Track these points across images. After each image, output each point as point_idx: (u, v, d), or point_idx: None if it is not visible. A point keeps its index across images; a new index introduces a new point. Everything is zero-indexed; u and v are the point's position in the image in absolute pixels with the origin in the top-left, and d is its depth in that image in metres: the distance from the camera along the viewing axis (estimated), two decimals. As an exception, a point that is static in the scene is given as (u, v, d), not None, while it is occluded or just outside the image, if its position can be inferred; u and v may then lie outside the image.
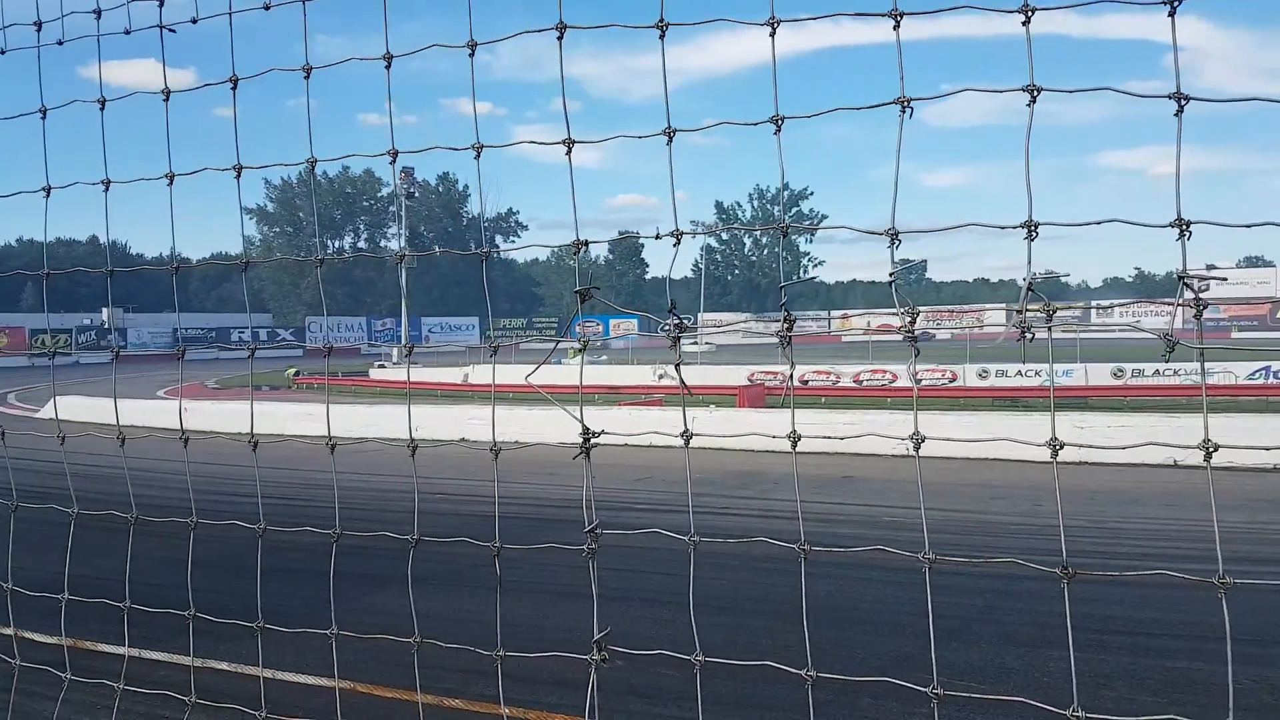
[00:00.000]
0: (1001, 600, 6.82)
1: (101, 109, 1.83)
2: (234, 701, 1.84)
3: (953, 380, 26.77)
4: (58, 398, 23.23)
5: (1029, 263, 1.64)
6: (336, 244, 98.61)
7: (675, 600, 6.87)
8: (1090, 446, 2.25)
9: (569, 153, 1.63)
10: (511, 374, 32.58)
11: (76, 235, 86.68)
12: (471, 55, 1.62)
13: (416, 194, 65.04)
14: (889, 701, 4.87)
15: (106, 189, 1.84)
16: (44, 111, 1.90)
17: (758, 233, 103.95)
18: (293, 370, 38.39)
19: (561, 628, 6.21)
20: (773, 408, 21.20)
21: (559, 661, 1.81)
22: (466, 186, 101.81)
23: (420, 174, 70.53)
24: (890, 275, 1.66)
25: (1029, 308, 1.62)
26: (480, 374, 32.57)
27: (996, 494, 11.41)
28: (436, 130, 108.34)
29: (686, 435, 1.64)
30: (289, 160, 1.80)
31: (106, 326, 64.34)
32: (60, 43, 1.81)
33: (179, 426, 2.11)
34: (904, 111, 1.63)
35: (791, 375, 1.38)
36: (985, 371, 27.22)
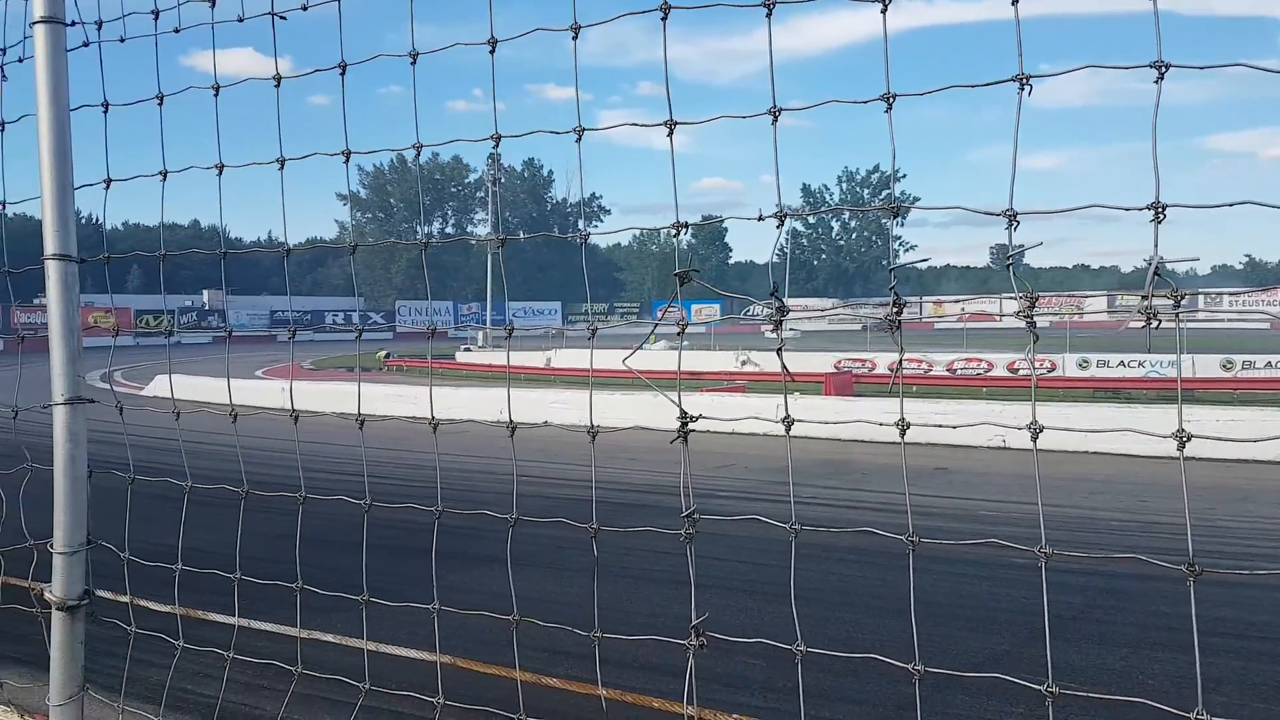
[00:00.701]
0: (1102, 599, 6.56)
1: (215, 95, 1.88)
2: (338, 673, 1.88)
3: (1052, 370, 25.81)
4: (161, 377, 24.37)
5: (1155, 247, 1.54)
6: (426, 229, 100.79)
7: (757, 589, 6.81)
8: (1211, 439, 2.12)
9: (670, 134, 1.60)
10: (593, 358, 32.72)
11: (179, 219, 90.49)
12: (575, 39, 1.60)
13: (503, 180, 65.96)
14: (986, 699, 4.73)
15: (220, 173, 1.89)
16: (161, 98, 1.97)
17: (846, 216, 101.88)
18: (383, 353, 39.43)
19: (643, 611, 6.22)
20: (860, 396, 20.81)
21: (645, 645, 1.79)
22: (551, 172, 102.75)
23: (507, 160, 71.43)
24: (1007, 259, 1.59)
25: (1155, 294, 1.52)
26: (563, 358, 32.90)
27: (1097, 489, 10.97)
28: (523, 116, 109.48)
29: (788, 421, 1.59)
30: (388, 146, 1.83)
31: (207, 308, 67.24)
32: (177, 30, 1.86)
33: (286, 406, 2.16)
34: (1022, 89, 1.55)
35: (900, 361, 1.33)
36: (1085, 361, 26.19)
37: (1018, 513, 9.88)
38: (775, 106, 1.57)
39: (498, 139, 1.67)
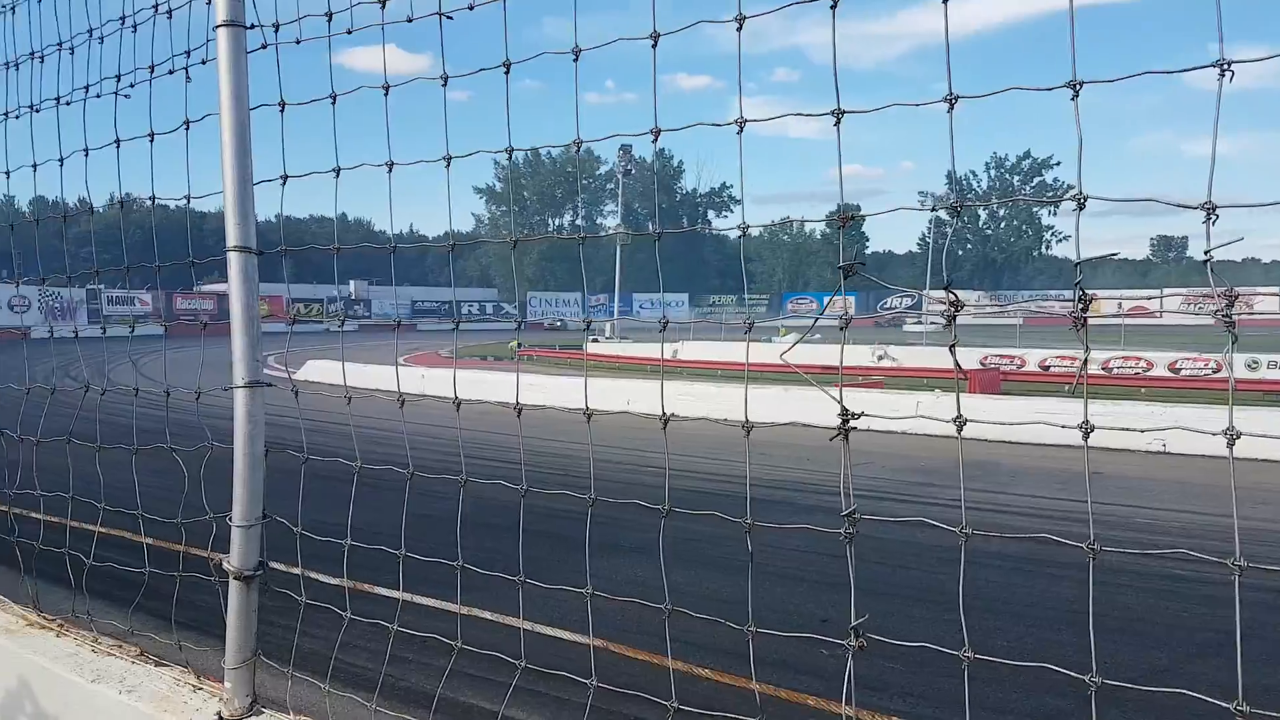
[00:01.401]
0: (1268, 615, 6.06)
1: (385, 94, 1.95)
2: (495, 650, 1.93)
3: (1217, 370, 23.98)
4: (311, 362, 25.75)
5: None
6: (556, 221, 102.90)
7: (895, 591, 6.62)
8: None
9: (837, 123, 1.55)
10: (719, 351, 32.65)
11: (327, 212, 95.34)
12: (739, 30, 1.58)
13: (634, 171, 66.51)
14: (1150, 715, 4.45)
15: (390, 170, 1.96)
16: (334, 97, 2.06)
17: (993, 203, 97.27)
18: (515, 343, 40.54)
19: (774, 609, 6.16)
20: (1007, 394, 19.90)
21: (779, 642, 1.75)
22: (681, 162, 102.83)
23: (638, 151, 72.00)
24: (1206, 253, 1.46)
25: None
26: (689, 350, 32.93)
27: (1266, 498, 10.14)
28: (661, 106, 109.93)
29: (960, 421, 1.52)
30: (525, 139, 1.86)
31: (353, 297, 70.85)
32: (349, 31, 1.94)
33: (425, 391, 2.25)
34: (1223, 75, 1.42)
35: (1085, 360, 1.24)
36: (1255, 362, 24.20)
37: (1179, 522, 9.24)
38: (952, 94, 1.50)
39: (657, 133, 1.67)
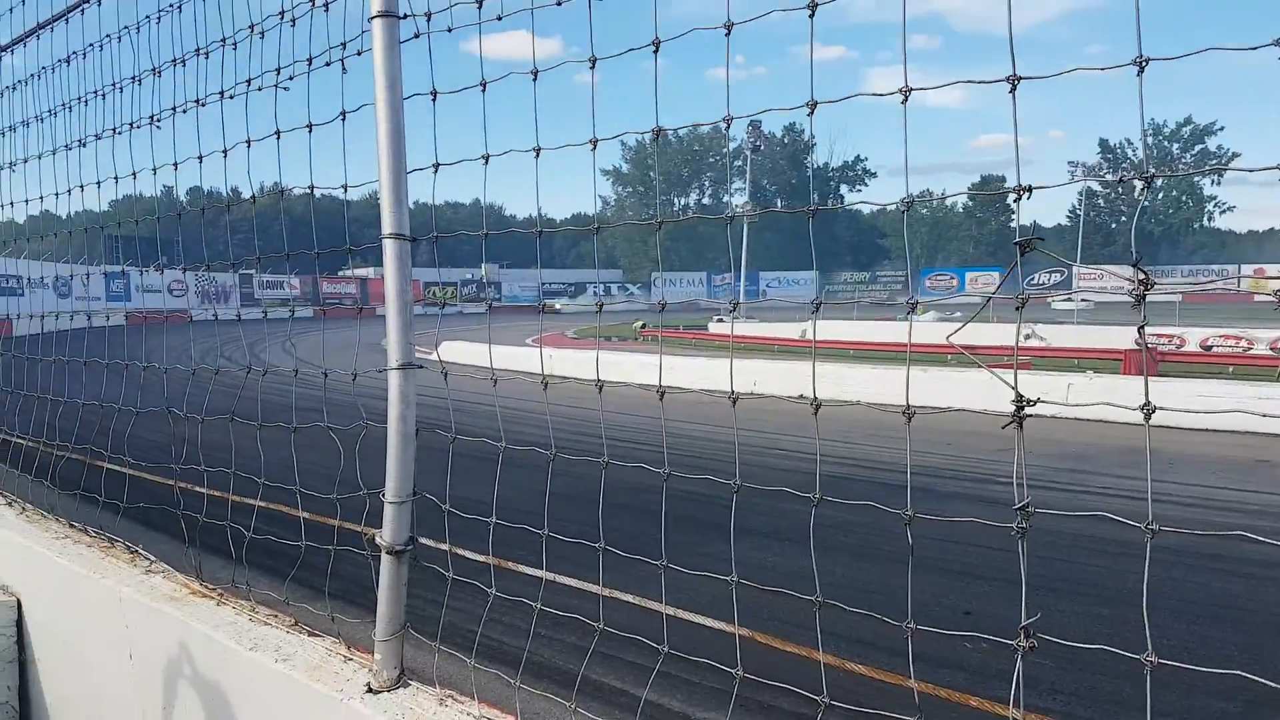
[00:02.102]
0: None
1: (534, 79, 1.95)
2: (636, 634, 1.93)
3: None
4: (447, 343, 26.68)
5: None
6: (682, 201, 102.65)
7: (1045, 584, 6.31)
8: None
9: (1012, 90, 1.44)
10: (850, 330, 31.87)
11: (461, 198, 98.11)
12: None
13: (762, 147, 65.59)
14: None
15: (537, 155, 1.97)
16: (484, 85, 2.07)
17: (1151, 173, 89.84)
18: (639, 323, 40.77)
19: (912, 599, 5.98)
20: (1165, 375, 18.64)
21: (930, 635, 1.66)
22: (812, 137, 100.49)
23: (766, 127, 70.93)
24: None
25: None
26: (819, 330, 32.29)
27: None
28: (786, 81, 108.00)
29: (1148, 409, 1.40)
30: (648, 120, 1.80)
31: (485, 280, 73.04)
32: (499, 18, 1.94)
33: (552, 372, 2.25)
34: None
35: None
36: None
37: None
38: (1142, 55, 1.37)
39: (813, 106, 1.60)
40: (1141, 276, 1.35)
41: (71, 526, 3.94)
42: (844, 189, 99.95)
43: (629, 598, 5.01)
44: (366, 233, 2.86)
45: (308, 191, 2.79)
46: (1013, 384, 1.46)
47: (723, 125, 1.64)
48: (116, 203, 4.04)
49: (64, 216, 4.39)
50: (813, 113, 1.61)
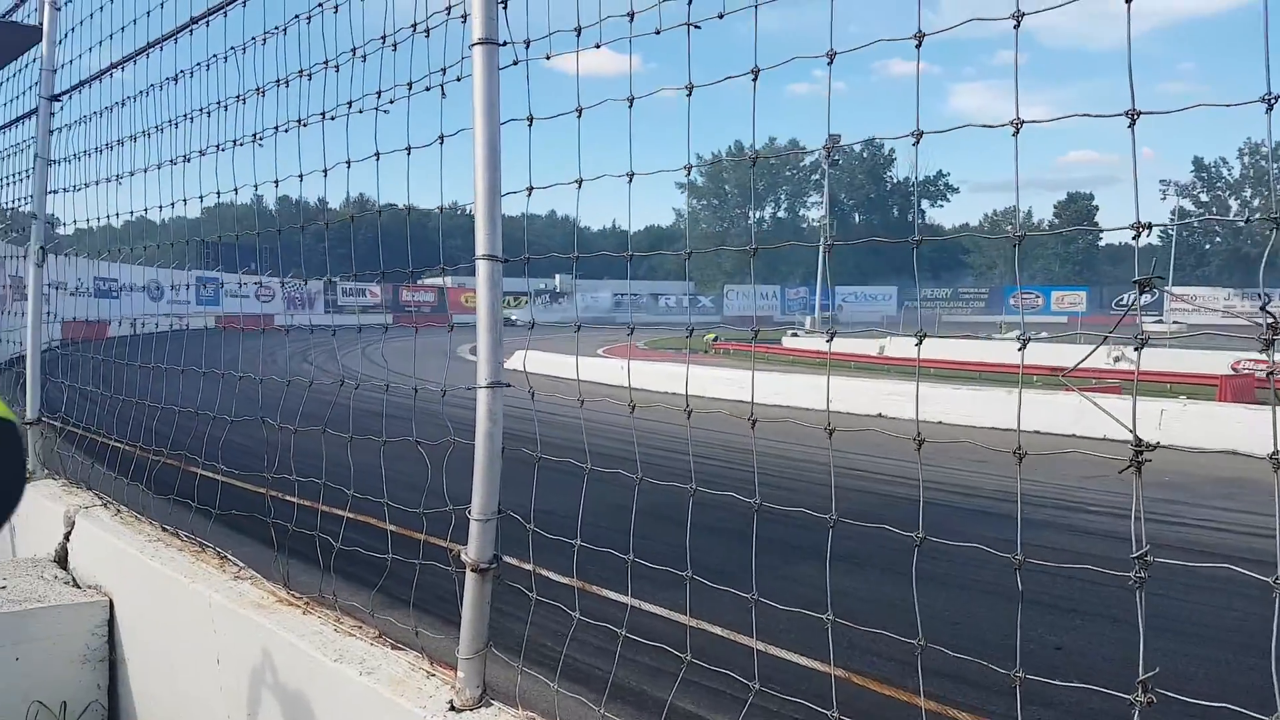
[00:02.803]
0: None
1: (630, 106, 1.95)
2: (727, 667, 1.90)
3: None
4: (519, 352, 26.83)
5: None
6: (757, 215, 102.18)
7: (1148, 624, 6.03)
8: None
9: (1132, 125, 1.38)
10: (931, 348, 31.02)
11: (537, 210, 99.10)
12: (1017, 28, 1.44)
13: (840, 161, 64.96)
14: None
15: (630, 180, 1.97)
16: (579, 111, 2.08)
17: (1248, 192, 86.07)
18: (712, 335, 40.63)
19: (995, 630, 5.78)
20: (1264, 403, 17.75)
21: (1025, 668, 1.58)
22: (892, 150, 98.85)
23: (846, 139, 70.27)
24: None
25: None
26: (896, 347, 31.67)
27: None
28: (869, 95, 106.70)
29: (1276, 459, 1.32)
30: (730, 135, 1.77)
31: (559, 291, 73.94)
32: (598, 45, 1.95)
33: (624, 383, 2.24)
34: None
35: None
36: None
37: None
38: (1270, 93, 1.29)
39: (919, 136, 1.56)
40: (1271, 320, 1.27)
41: (164, 530, 4.07)
42: (925, 204, 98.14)
43: (718, 630, 4.86)
44: (446, 242, 2.92)
45: (393, 204, 2.86)
46: (1131, 427, 1.39)
47: (823, 153, 1.61)
48: (209, 210, 4.19)
49: (158, 223, 4.56)
50: (918, 142, 1.57)
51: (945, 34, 1.46)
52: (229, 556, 3.64)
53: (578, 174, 2.10)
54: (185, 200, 4.08)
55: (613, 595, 2.56)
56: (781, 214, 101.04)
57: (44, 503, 4.54)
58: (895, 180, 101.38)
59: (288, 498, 3.67)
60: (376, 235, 2.95)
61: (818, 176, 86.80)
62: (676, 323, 60.46)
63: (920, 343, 1.57)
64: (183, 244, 4.36)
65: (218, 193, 3.64)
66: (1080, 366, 18.16)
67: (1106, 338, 1.56)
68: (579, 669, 4.49)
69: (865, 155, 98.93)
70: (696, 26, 1.73)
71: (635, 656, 4.84)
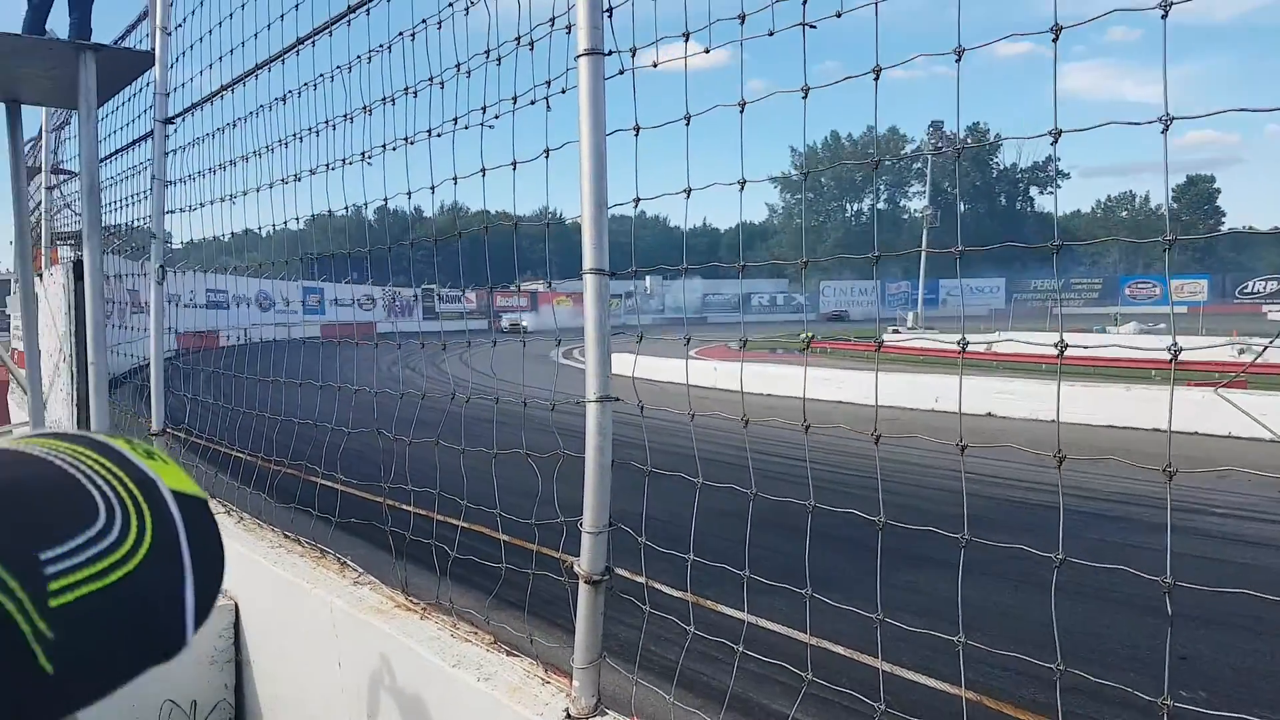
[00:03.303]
0: None
1: (741, 111, 1.91)
2: (850, 686, 1.83)
3: None
4: (614, 354, 26.87)
5: None
6: (855, 206, 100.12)
7: (1275, 630, 5.65)
8: None
9: (1301, 110, 1.25)
10: (1044, 342, 29.79)
11: (625, 211, 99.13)
12: (1165, 17, 1.33)
13: (945, 149, 63.03)
14: None
15: (742, 189, 1.92)
16: (688, 119, 2.05)
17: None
18: (807, 334, 39.95)
19: (1126, 643, 5.49)
20: None
21: (1143, 681, 1.46)
22: (998, 135, 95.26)
23: (949, 126, 68.13)
24: None
25: None
26: (1005, 343, 30.45)
27: None
28: (971, 77, 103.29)
29: None
30: (825, 124, 1.70)
31: (649, 293, 74.19)
32: (707, 50, 1.91)
33: (719, 385, 2.18)
34: None
35: None
36: None
37: None
38: None
39: (1057, 135, 1.46)
40: None
41: (285, 536, 4.22)
42: (1034, 191, 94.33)
43: (840, 649, 4.73)
44: (536, 247, 2.94)
45: (486, 211, 2.89)
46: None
47: (844, 130, 1.53)
48: (309, 221, 4.30)
49: (263, 235, 4.72)
50: (1056, 141, 1.47)
51: (1047, 13, 1.36)
52: (348, 562, 3.74)
53: (686, 183, 2.06)
54: (298, 218, 4.20)
55: (729, 611, 2.51)
56: (881, 205, 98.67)
57: (172, 511, 4.74)
58: (1002, 167, 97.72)
59: (404, 506, 3.75)
60: (469, 244, 2.97)
61: (919, 165, 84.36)
62: (771, 321, 59.67)
63: (1061, 353, 1.48)
64: (289, 259, 4.49)
65: (329, 211, 3.74)
66: (1198, 360, 17.12)
67: (1269, 345, 1.43)
68: (685, 674, 4.42)
69: (970, 141, 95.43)
70: (812, 26, 1.67)
71: (743, 664, 4.75)
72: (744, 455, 2.40)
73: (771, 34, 1.73)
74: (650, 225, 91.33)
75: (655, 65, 2.02)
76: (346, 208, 3.70)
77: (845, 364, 25.94)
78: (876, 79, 1.59)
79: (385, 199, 3.51)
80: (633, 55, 2.09)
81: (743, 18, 1.78)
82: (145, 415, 5.31)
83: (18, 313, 10.26)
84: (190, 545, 0.45)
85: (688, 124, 2.03)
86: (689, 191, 2.08)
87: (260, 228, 4.41)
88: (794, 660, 2.06)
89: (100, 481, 0.44)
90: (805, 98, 1.72)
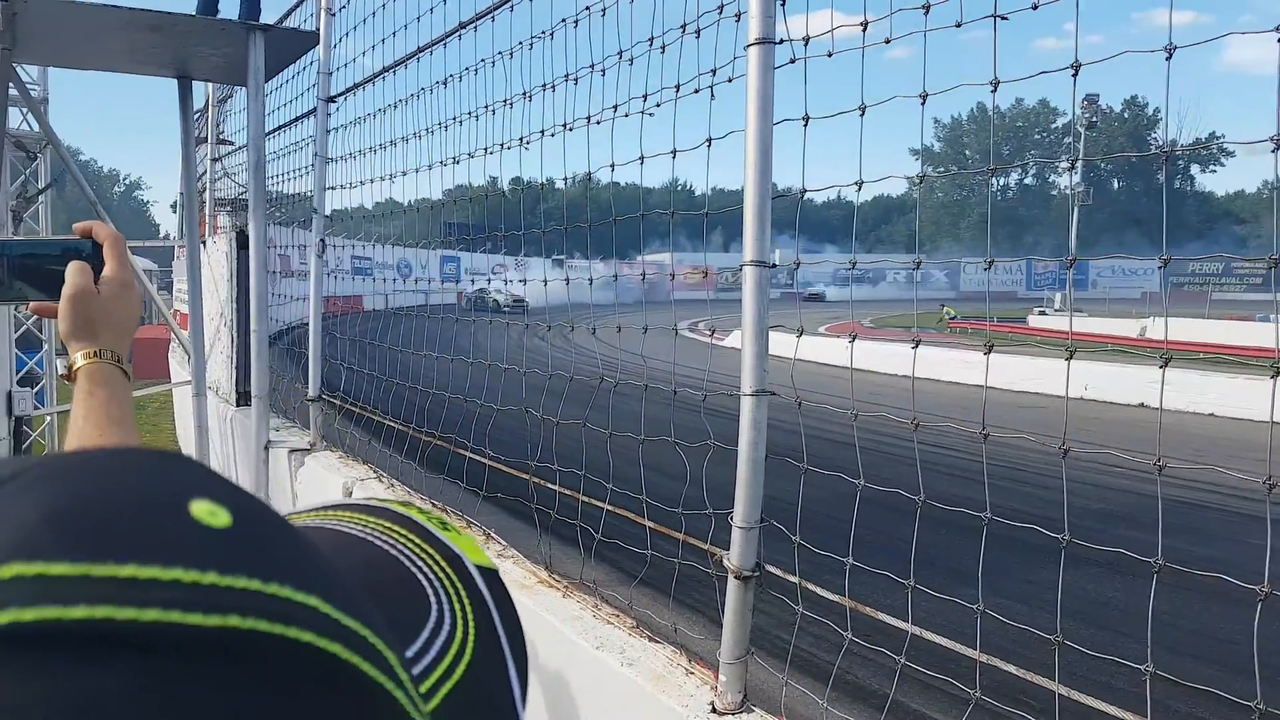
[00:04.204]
0: None
1: (923, 104, 1.82)
2: (1024, 709, 1.75)
3: None
4: (737, 331, 26.52)
5: None
6: (1001, 181, 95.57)
7: None
8: None
9: None
10: (1201, 329, 27.83)
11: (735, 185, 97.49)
12: None
13: (1098, 122, 59.33)
14: None
15: (919, 182, 1.83)
16: (863, 109, 1.97)
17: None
18: (948, 311, 38.35)
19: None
20: None
21: None
22: (1157, 110, 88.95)
23: (1105, 99, 64.07)
24: None
25: None
26: (1161, 328, 28.58)
27: None
28: (1128, 48, 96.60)
29: None
30: (969, 90, 1.56)
31: (776, 266, 73.05)
32: (888, 40, 1.84)
33: (848, 363, 2.09)
34: None
35: None
36: None
37: None
38: None
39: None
40: None
41: (432, 504, 4.37)
42: (1194, 169, 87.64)
43: (1012, 669, 4.40)
44: (664, 218, 2.92)
45: (616, 182, 2.88)
46: None
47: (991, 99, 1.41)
48: (448, 191, 4.41)
49: (404, 204, 4.84)
50: (1277, 149, 1.34)
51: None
52: (493, 534, 3.85)
53: (858, 175, 1.99)
54: (443, 202, 4.32)
55: (889, 620, 2.45)
56: (1029, 180, 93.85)
57: (324, 474, 4.99)
58: (1160, 143, 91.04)
59: (549, 485, 3.82)
60: (602, 213, 2.98)
61: (1070, 139, 79.67)
62: (903, 299, 57.54)
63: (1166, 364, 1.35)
64: (428, 221, 4.60)
65: (486, 195, 3.82)
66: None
67: None
68: (855, 683, 4.25)
69: (1126, 116, 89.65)
70: (1004, 18, 1.57)
71: (927, 677, 4.56)
72: (902, 443, 2.31)
73: (959, 25, 1.63)
74: (780, 198, 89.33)
75: (830, 55, 1.95)
76: (504, 189, 3.77)
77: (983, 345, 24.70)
78: (1075, 75, 1.48)
79: (542, 184, 3.56)
80: (805, 44, 2.02)
81: (927, 8, 1.69)
82: (297, 378, 5.58)
83: (182, 276, 11.00)
84: (503, 623, 0.44)
85: (862, 115, 1.95)
86: (860, 184, 2.01)
87: (419, 208, 4.56)
88: (960, 675, 1.99)
89: (421, 564, 0.43)
90: (994, 90, 1.62)
